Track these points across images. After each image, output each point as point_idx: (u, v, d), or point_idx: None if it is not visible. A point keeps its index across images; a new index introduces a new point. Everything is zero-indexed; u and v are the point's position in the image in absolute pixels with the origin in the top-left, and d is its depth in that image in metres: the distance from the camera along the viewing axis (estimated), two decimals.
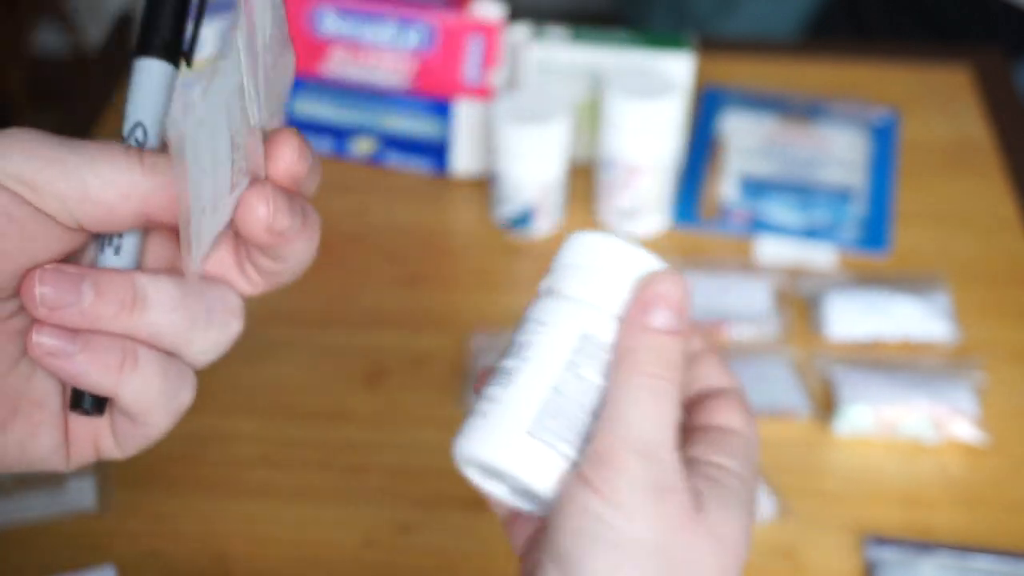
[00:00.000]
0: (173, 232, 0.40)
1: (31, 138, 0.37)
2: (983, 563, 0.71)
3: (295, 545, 0.73)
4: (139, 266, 0.40)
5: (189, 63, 0.41)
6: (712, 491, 0.41)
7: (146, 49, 0.41)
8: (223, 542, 0.73)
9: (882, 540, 0.73)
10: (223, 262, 0.41)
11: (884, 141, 1.04)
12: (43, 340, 0.37)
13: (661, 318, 0.42)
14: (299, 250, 0.41)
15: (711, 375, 0.46)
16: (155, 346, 0.39)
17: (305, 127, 1.02)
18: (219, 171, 0.38)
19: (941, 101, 1.10)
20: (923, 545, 0.72)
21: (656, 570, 0.39)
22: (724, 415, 0.44)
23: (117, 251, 0.40)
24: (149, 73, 0.41)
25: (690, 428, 0.44)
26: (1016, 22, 1.36)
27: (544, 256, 0.94)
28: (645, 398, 0.40)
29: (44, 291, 0.37)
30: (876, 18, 1.44)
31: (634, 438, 0.40)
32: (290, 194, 0.40)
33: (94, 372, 0.38)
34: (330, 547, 0.73)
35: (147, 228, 0.40)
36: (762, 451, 0.82)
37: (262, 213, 0.39)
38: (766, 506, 0.75)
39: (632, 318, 0.42)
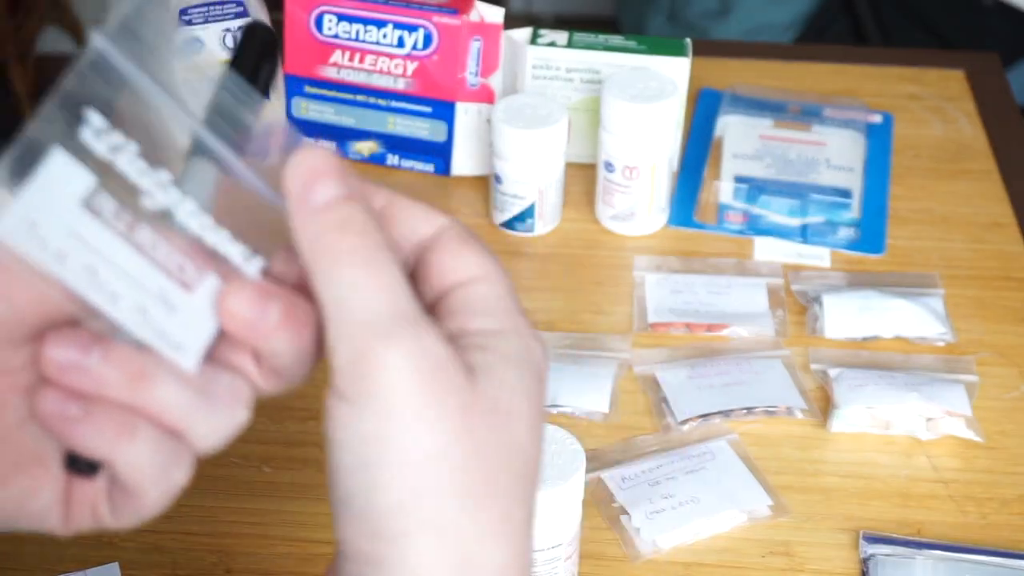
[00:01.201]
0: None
1: None
2: (976, 560, 0.72)
3: (296, 544, 0.74)
4: None
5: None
6: (478, 360, 0.35)
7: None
8: (225, 540, 0.74)
9: (877, 537, 0.73)
10: (239, 352, 0.39)
11: (879, 144, 1.05)
12: (48, 399, 0.37)
13: (324, 191, 0.36)
14: (282, 347, 0.37)
15: (415, 226, 0.38)
16: (157, 422, 0.38)
17: (307, 129, 1.02)
18: (129, 267, 0.37)
19: (936, 104, 1.11)
20: (917, 542, 0.73)
21: (452, 480, 0.34)
22: (450, 268, 0.37)
23: None
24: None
25: (426, 303, 0.37)
26: (1010, 25, 1.37)
27: (543, 256, 0.95)
28: (358, 274, 0.35)
29: (55, 351, 0.36)
30: (871, 22, 1.45)
31: (368, 322, 0.34)
32: (261, 286, 0.37)
33: (90, 437, 0.37)
34: (331, 546, 0.73)
35: None
36: (759, 450, 0.83)
37: (226, 305, 0.37)
38: (762, 504, 0.75)
39: (297, 208, 0.36)
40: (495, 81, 0.98)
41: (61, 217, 0.36)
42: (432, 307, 0.37)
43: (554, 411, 0.81)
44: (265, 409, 0.85)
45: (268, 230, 0.38)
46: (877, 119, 1.07)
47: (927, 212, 0.99)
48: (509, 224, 0.96)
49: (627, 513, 0.74)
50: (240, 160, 0.39)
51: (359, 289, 0.34)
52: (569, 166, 0.98)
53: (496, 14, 0.97)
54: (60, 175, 0.36)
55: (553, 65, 0.99)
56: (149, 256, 0.38)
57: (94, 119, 0.36)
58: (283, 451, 0.79)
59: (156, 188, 0.37)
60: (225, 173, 0.39)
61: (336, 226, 0.35)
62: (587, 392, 0.82)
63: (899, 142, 1.06)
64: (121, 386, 0.37)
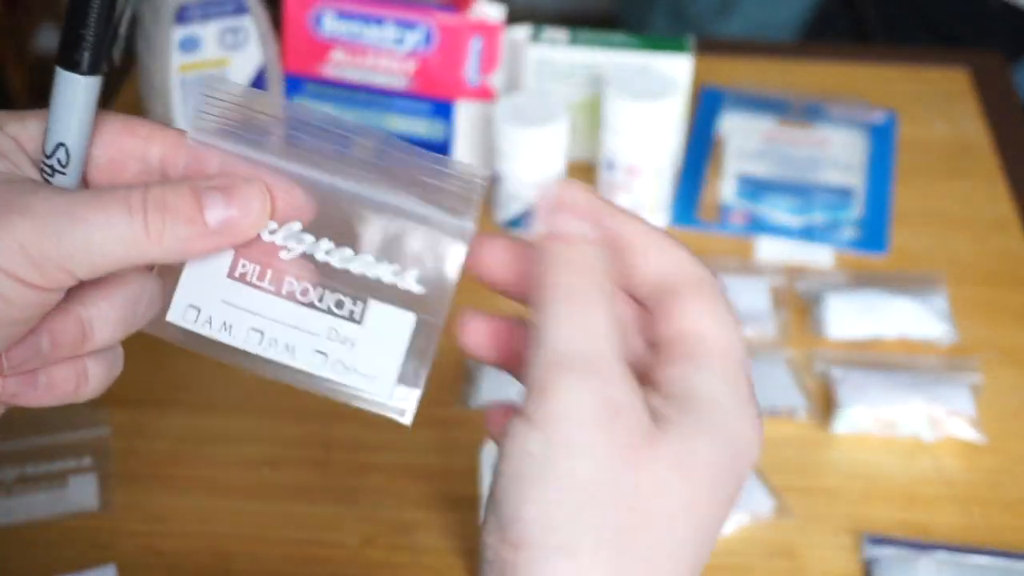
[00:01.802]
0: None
1: (38, 210, 0.37)
2: (980, 561, 0.71)
3: (295, 544, 0.73)
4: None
5: (111, 67, 0.41)
6: (675, 411, 0.35)
7: (68, 61, 0.40)
8: (224, 541, 0.74)
9: (880, 539, 0.73)
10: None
11: (882, 142, 1.05)
12: (9, 388, 0.40)
13: (566, 226, 0.39)
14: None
15: (654, 258, 0.39)
16: (99, 352, 0.41)
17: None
18: (290, 319, 0.40)
19: (939, 102, 1.10)
20: (921, 544, 0.73)
21: (601, 512, 0.34)
22: (690, 318, 0.37)
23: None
24: (71, 86, 0.40)
25: (652, 343, 0.38)
26: (1014, 23, 1.36)
27: None
28: (565, 311, 0.36)
29: (11, 360, 0.39)
30: (874, 20, 1.45)
31: (562, 355, 0.35)
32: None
33: (52, 400, 0.41)
34: (330, 547, 0.73)
35: None
36: (761, 451, 0.82)
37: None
38: (765, 505, 0.75)
39: (540, 233, 0.39)
40: (496, 79, 0.98)
41: (215, 293, 0.40)
42: (662, 346, 0.38)
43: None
44: (265, 410, 0.86)
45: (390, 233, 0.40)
46: (880, 118, 1.07)
47: (930, 211, 0.99)
48: (510, 224, 0.95)
49: None
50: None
51: (562, 324, 0.36)
52: (570, 165, 0.97)
53: (497, 12, 0.97)
54: (203, 257, 0.40)
55: (554, 63, 0.98)
56: (305, 302, 0.40)
57: None
58: (283, 452, 0.79)
59: (290, 240, 0.40)
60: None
61: (564, 262, 0.37)
62: None
63: (902, 141, 1.06)
64: (68, 353, 0.40)
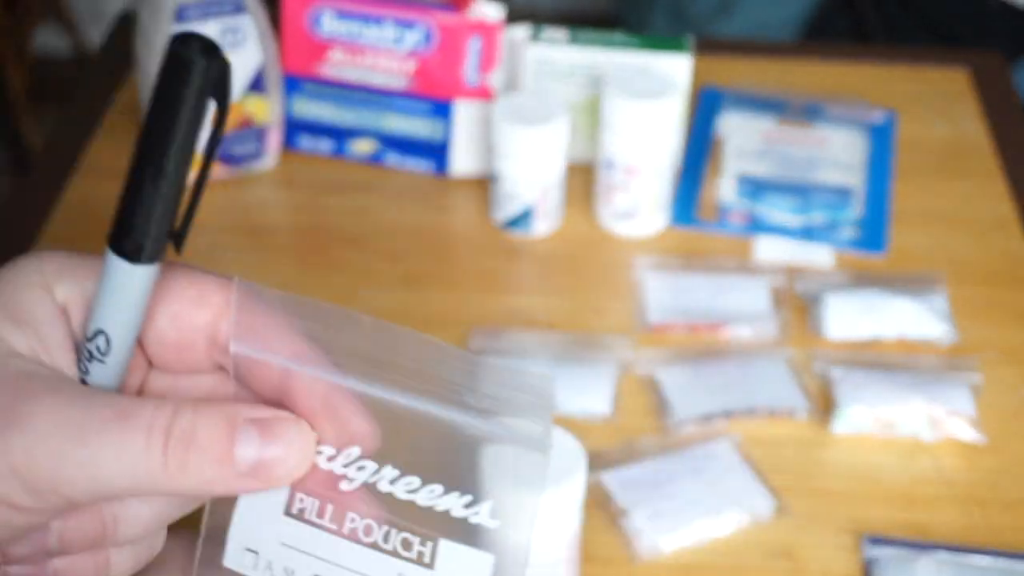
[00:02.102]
0: None
1: (40, 425, 0.33)
2: (980, 562, 0.71)
3: None
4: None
5: (178, 251, 0.35)
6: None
7: (124, 248, 0.34)
8: None
9: (880, 539, 0.73)
10: None
11: (882, 142, 1.05)
12: (14, 573, 0.36)
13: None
14: None
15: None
16: (128, 544, 0.37)
17: (305, 128, 1.02)
18: (353, 562, 0.36)
19: (939, 102, 1.10)
20: (921, 544, 0.72)
21: None
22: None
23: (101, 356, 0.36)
24: (124, 277, 0.35)
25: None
26: (1014, 23, 1.36)
27: (543, 256, 0.95)
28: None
29: (7, 560, 0.36)
30: (873, 20, 1.45)
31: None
32: None
33: None
34: None
35: None
36: (761, 451, 0.82)
37: None
38: (764, 505, 0.75)
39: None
40: (495, 79, 0.98)
41: (273, 533, 0.36)
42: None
43: (554, 412, 0.80)
44: None
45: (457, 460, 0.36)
46: (880, 117, 1.07)
47: (930, 211, 0.99)
48: (509, 224, 0.95)
49: (628, 515, 0.74)
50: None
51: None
52: (570, 165, 0.97)
53: (496, 12, 0.97)
54: (257, 495, 0.36)
55: (554, 63, 0.98)
56: (368, 543, 0.36)
57: None
58: None
59: (350, 468, 0.36)
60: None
61: None
62: (588, 393, 0.81)
63: (902, 140, 1.06)
64: (88, 549, 0.36)
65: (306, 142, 1.02)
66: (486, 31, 0.96)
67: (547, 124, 0.91)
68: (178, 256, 0.36)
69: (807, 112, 1.07)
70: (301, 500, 0.36)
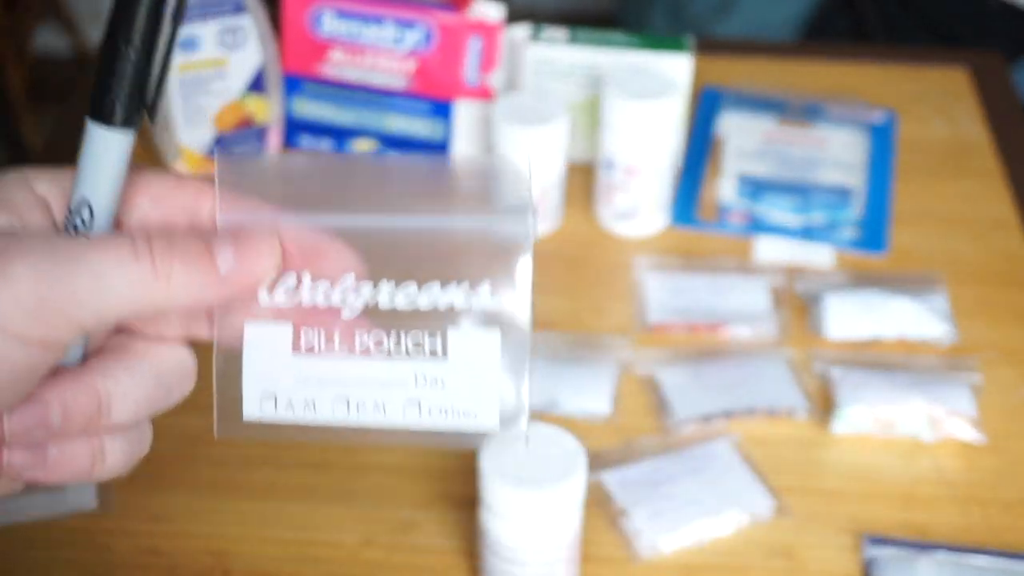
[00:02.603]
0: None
1: (38, 262, 0.35)
2: (980, 561, 0.71)
3: (295, 545, 0.73)
4: None
5: (151, 119, 0.39)
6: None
7: (100, 114, 0.38)
8: (223, 542, 0.73)
9: (880, 539, 0.73)
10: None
11: (882, 142, 1.05)
12: (15, 460, 0.37)
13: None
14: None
15: None
16: (119, 431, 0.39)
17: (305, 128, 1.02)
18: (371, 375, 0.38)
19: (939, 102, 1.10)
20: (921, 544, 0.72)
21: None
22: None
23: None
24: (102, 143, 0.38)
25: None
26: (1014, 23, 1.36)
27: (543, 256, 0.94)
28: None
29: (13, 426, 0.37)
30: (873, 20, 1.45)
31: None
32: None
33: (66, 477, 0.38)
34: (330, 547, 0.73)
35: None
36: (761, 451, 0.82)
37: None
38: (764, 505, 0.75)
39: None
40: (495, 79, 0.98)
41: (287, 374, 0.38)
42: None
43: (554, 412, 0.80)
44: None
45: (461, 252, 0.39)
46: (880, 117, 1.07)
47: (930, 211, 0.99)
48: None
49: (628, 515, 0.74)
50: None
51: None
52: (569, 165, 0.97)
53: (496, 12, 0.97)
54: (261, 342, 0.38)
55: (554, 63, 0.98)
56: (381, 355, 0.38)
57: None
58: (282, 451, 0.79)
59: (348, 296, 0.38)
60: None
61: None
62: (588, 393, 0.81)
63: (902, 140, 1.06)
64: (83, 429, 0.38)
65: (306, 142, 1.03)
66: (486, 31, 0.96)
67: (547, 124, 0.91)
68: (152, 124, 0.39)
69: (807, 112, 1.07)
70: (307, 336, 0.38)
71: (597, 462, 0.76)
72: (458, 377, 0.38)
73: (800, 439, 0.80)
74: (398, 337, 0.38)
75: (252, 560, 0.72)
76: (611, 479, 0.76)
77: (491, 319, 0.38)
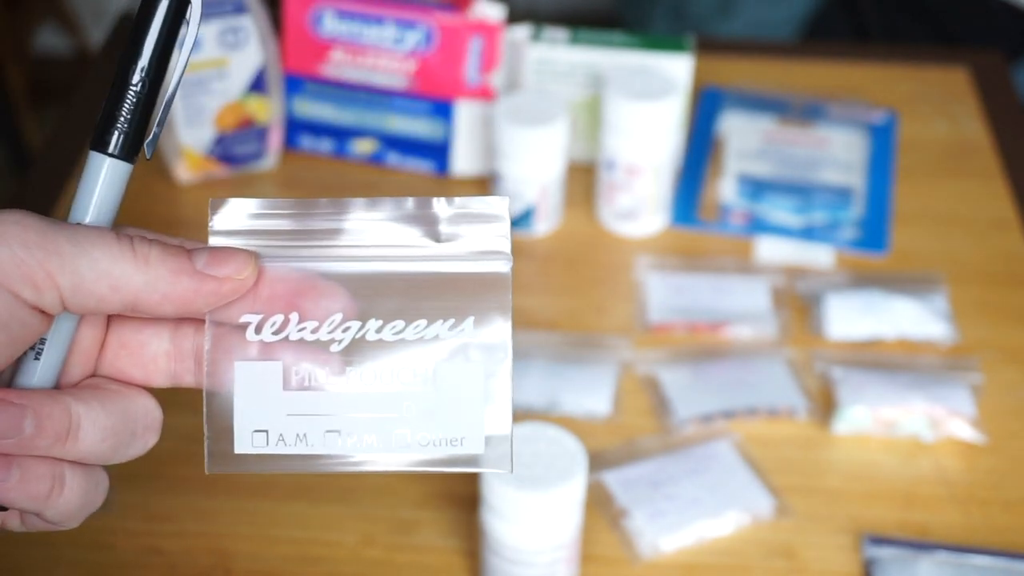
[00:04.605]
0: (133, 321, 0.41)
1: (27, 226, 0.37)
2: (980, 561, 0.71)
3: (295, 544, 0.73)
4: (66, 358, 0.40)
5: (147, 157, 0.40)
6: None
7: (102, 144, 0.39)
8: (224, 541, 0.73)
9: (880, 539, 0.73)
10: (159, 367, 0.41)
11: (883, 142, 1.05)
12: None
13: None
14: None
15: None
16: (80, 464, 0.39)
17: (306, 128, 1.02)
18: (359, 408, 0.40)
19: (940, 102, 1.10)
20: (921, 544, 0.72)
21: None
22: None
23: (37, 355, 0.39)
24: (101, 170, 0.39)
25: None
26: (1014, 23, 1.36)
27: (544, 256, 0.95)
28: None
29: None
30: (874, 20, 1.45)
31: None
32: None
33: (22, 500, 0.38)
34: (330, 546, 0.73)
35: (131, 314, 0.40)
36: (761, 451, 0.82)
37: None
38: (765, 505, 0.75)
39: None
40: (496, 79, 0.98)
41: (278, 409, 0.39)
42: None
43: (555, 412, 0.80)
44: None
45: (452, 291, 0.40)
46: (880, 117, 1.07)
47: (931, 211, 0.99)
48: (510, 224, 0.95)
49: (628, 514, 0.74)
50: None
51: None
52: (570, 165, 0.97)
53: (497, 12, 0.97)
54: (252, 379, 0.39)
55: (554, 63, 0.98)
56: (372, 387, 0.39)
57: (251, 318, 0.39)
58: None
59: (335, 333, 0.39)
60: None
61: None
62: (588, 393, 0.81)
63: (903, 140, 1.06)
64: (49, 447, 0.38)
65: (307, 142, 1.03)
66: (487, 31, 0.96)
67: (548, 124, 0.91)
68: (149, 160, 0.41)
69: (808, 112, 1.07)
70: (297, 373, 0.39)
71: (598, 462, 0.76)
72: (445, 406, 0.40)
73: (801, 439, 0.80)
74: (386, 371, 0.39)
75: (252, 559, 0.72)
76: (612, 479, 0.76)
77: (476, 351, 0.40)
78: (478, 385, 0.40)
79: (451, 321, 0.40)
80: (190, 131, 0.96)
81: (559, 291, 0.91)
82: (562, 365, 0.83)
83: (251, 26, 0.95)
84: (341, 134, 1.02)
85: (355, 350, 0.39)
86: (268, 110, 0.98)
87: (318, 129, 1.02)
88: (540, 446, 0.65)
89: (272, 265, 0.39)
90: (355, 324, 0.39)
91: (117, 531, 0.74)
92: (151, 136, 0.40)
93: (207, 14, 0.93)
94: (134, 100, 0.39)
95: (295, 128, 1.02)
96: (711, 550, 0.73)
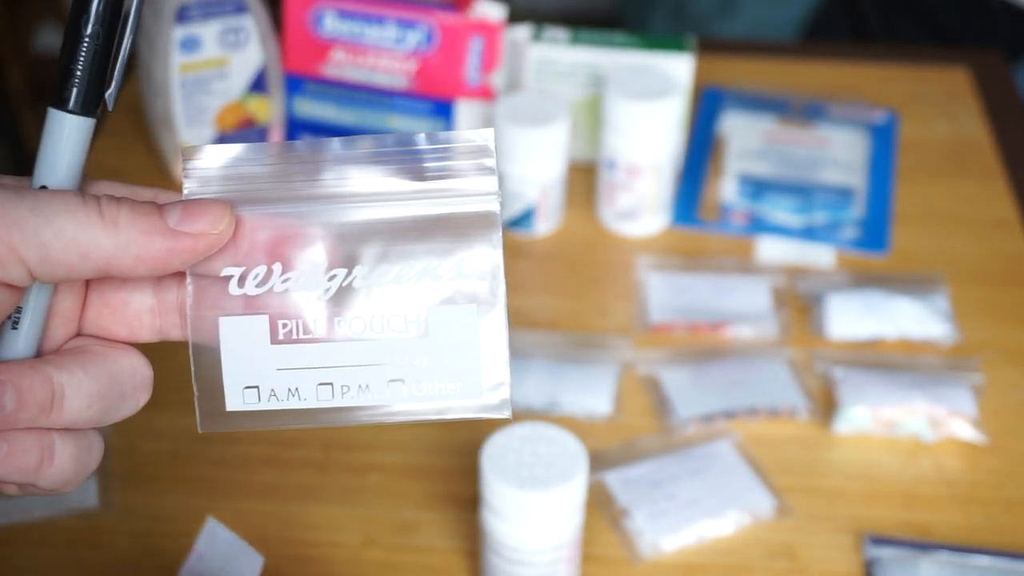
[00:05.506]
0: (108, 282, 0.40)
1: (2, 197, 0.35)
2: (982, 562, 0.71)
3: (295, 544, 0.73)
4: (44, 328, 0.39)
5: (110, 107, 0.39)
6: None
7: (60, 99, 0.38)
8: None
9: (881, 539, 0.73)
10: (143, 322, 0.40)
11: (883, 142, 1.05)
12: None
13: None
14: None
15: None
16: (70, 431, 0.38)
17: (306, 128, 1.02)
18: (351, 357, 0.39)
19: (940, 102, 1.10)
20: (922, 544, 0.72)
21: None
22: None
23: (15, 324, 0.38)
24: (61, 129, 0.38)
25: None
26: (1014, 23, 1.36)
27: (545, 256, 0.95)
28: None
29: None
30: (875, 20, 1.45)
31: None
32: None
33: (12, 474, 0.37)
34: (331, 547, 0.73)
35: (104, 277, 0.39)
36: (762, 451, 0.82)
37: None
38: (765, 505, 0.75)
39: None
40: (496, 79, 0.98)
41: (267, 364, 0.38)
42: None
43: (556, 412, 0.80)
44: None
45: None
46: (881, 117, 1.07)
47: (932, 211, 0.99)
48: (510, 223, 0.95)
49: (629, 515, 0.74)
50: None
51: None
52: (571, 165, 0.97)
53: (497, 12, 0.97)
54: (238, 335, 0.38)
55: (555, 63, 0.98)
56: (362, 336, 0.38)
57: (233, 271, 0.38)
58: (282, 452, 0.79)
59: (321, 282, 0.38)
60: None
61: None
62: (589, 392, 0.81)
63: (904, 140, 1.06)
64: (33, 419, 0.37)
65: None
66: (487, 31, 0.96)
67: (548, 124, 0.91)
68: (110, 111, 0.40)
69: (808, 112, 1.07)
70: (284, 326, 0.38)
71: (599, 462, 0.76)
72: (439, 353, 0.38)
73: (802, 439, 0.80)
74: (376, 318, 0.38)
75: None
76: (612, 479, 0.75)
77: (467, 293, 0.38)
78: (472, 331, 0.38)
79: (440, 263, 0.38)
80: (190, 131, 0.96)
81: (560, 291, 0.91)
82: (563, 365, 0.83)
83: (252, 26, 0.95)
84: (342, 134, 1.02)
85: (342, 298, 0.38)
86: (269, 110, 0.98)
87: (319, 129, 1.02)
88: (540, 446, 0.64)
89: (250, 214, 0.38)
90: (341, 272, 0.38)
91: (118, 531, 0.74)
92: (112, 87, 0.38)
93: (207, 14, 0.93)
94: (89, 51, 0.37)
95: (296, 128, 1.02)
96: (712, 550, 0.73)
